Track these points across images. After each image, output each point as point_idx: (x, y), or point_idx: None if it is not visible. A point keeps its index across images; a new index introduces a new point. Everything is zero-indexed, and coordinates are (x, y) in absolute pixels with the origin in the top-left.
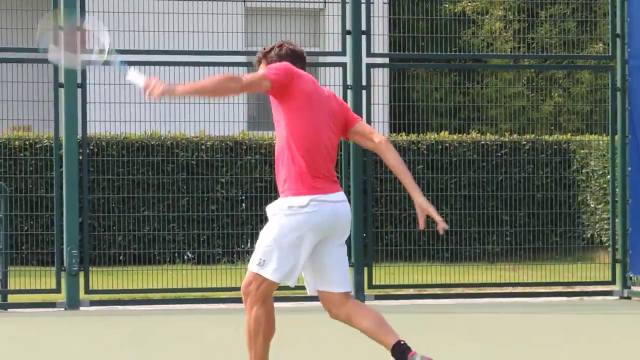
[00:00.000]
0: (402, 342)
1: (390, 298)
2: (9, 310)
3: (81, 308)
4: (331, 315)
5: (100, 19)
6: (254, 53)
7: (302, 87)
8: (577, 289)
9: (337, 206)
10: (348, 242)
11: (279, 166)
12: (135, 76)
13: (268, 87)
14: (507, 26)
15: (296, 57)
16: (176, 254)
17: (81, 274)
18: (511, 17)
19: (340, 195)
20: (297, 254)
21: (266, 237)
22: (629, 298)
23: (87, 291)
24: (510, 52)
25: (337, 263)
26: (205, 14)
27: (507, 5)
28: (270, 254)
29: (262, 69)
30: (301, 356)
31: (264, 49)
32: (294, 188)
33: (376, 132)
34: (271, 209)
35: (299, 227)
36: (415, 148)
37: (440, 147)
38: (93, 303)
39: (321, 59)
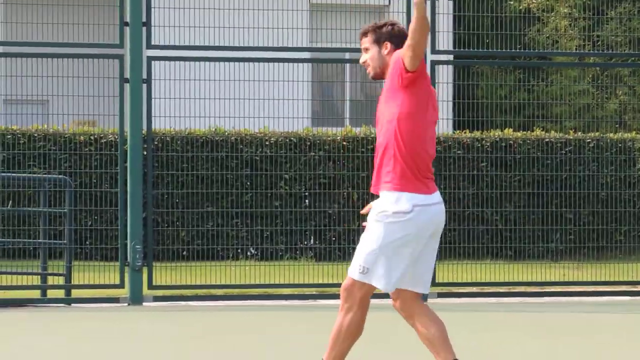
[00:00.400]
0: None
1: (453, 296)
2: (72, 305)
3: (144, 304)
4: (395, 305)
5: (170, 15)
6: (318, 49)
7: (428, 83)
8: None
9: (439, 208)
10: None
11: (384, 157)
12: None
13: (415, 67)
14: (573, 24)
15: (403, 42)
16: (239, 250)
17: (144, 270)
18: (577, 14)
19: (438, 195)
20: (404, 260)
21: (370, 243)
22: None
23: (151, 287)
24: (576, 49)
25: (430, 265)
26: (269, 10)
27: (572, 3)
28: (374, 261)
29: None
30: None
31: (374, 23)
32: (399, 184)
33: None
34: (375, 213)
35: (405, 234)
36: (479, 145)
37: (504, 144)
38: (156, 299)
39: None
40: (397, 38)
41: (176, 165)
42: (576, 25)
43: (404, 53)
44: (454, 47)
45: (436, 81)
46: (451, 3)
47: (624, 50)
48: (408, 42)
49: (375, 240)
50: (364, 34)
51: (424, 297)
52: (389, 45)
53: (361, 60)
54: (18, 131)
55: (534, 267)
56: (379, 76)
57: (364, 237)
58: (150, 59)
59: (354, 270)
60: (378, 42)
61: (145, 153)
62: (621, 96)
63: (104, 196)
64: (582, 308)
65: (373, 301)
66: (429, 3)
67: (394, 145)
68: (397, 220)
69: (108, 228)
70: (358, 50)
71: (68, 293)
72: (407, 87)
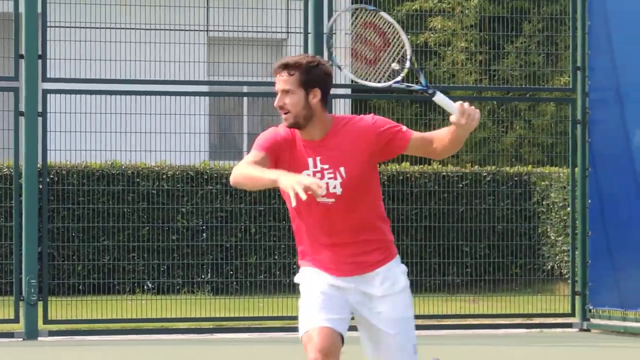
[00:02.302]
0: None
1: (351, 329)
2: None
3: (39, 338)
4: None
5: (66, 47)
6: (216, 83)
7: None
8: (537, 320)
9: None
10: None
11: (371, 232)
12: (444, 99)
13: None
14: (470, 58)
15: (329, 88)
16: (136, 284)
17: (40, 304)
18: (474, 49)
19: None
20: None
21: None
22: (588, 330)
23: (46, 321)
24: (473, 83)
25: None
26: (167, 43)
27: (470, 37)
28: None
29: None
30: None
31: (301, 58)
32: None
33: None
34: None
35: None
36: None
37: (401, 177)
38: (52, 333)
39: None
40: (329, 84)
41: (72, 198)
42: (474, 60)
43: (428, 141)
44: (352, 81)
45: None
46: (349, 37)
47: (521, 85)
48: (448, 144)
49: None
50: (287, 70)
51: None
52: (319, 93)
53: (277, 104)
54: None
55: (431, 300)
56: (298, 127)
57: (409, 309)
58: (45, 91)
59: (411, 353)
60: (306, 85)
61: (40, 187)
62: (518, 130)
63: None
64: (479, 341)
65: None
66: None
67: (381, 219)
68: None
69: (3, 262)
70: (256, 84)
71: None
72: (376, 163)
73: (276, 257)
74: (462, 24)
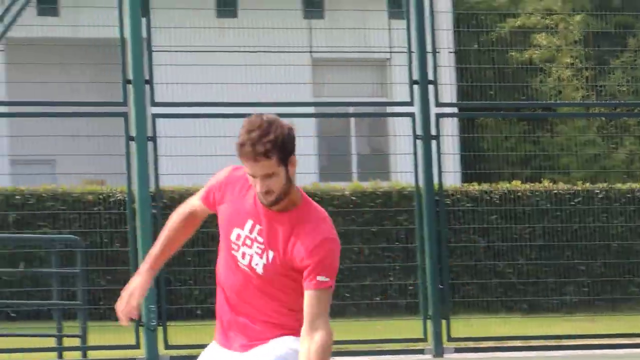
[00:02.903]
0: None
1: (469, 351)
2: None
3: None
4: None
5: (172, 71)
6: (322, 104)
7: None
8: None
9: None
10: (425, 293)
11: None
12: None
13: None
14: (577, 74)
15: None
16: None
17: (160, 330)
18: (580, 64)
19: None
20: None
21: None
22: None
23: (167, 347)
24: (581, 99)
25: None
26: (272, 65)
27: (575, 53)
28: None
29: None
30: None
31: (266, 134)
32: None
33: None
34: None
35: None
36: (488, 197)
37: (512, 196)
38: (173, 359)
39: (389, 109)
40: (295, 146)
41: None
42: (580, 76)
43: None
44: (458, 99)
45: (441, 134)
46: (453, 55)
47: (629, 100)
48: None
49: None
50: (264, 155)
51: (441, 351)
52: (294, 158)
53: (262, 189)
54: (26, 191)
55: (549, 321)
56: (278, 203)
57: None
58: (154, 116)
59: None
60: (285, 161)
61: (154, 211)
62: (628, 146)
63: (115, 255)
64: None
65: None
66: (429, 56)
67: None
68: None
69: (121, 288)
70: (362, 104)
71: (84, 354)
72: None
73: (391, 278)
74: (567, 39)
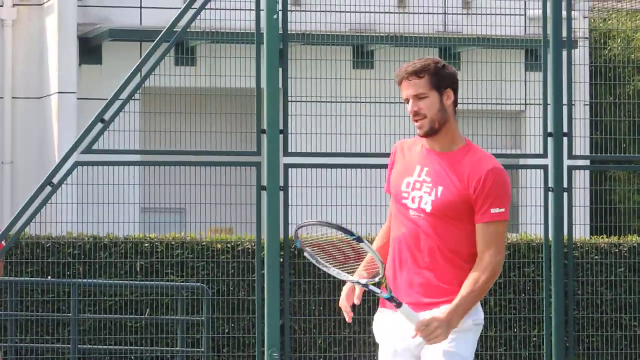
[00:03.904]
0: None
1: None
2: None
3: None
4: None
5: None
6: None
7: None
8: None
9: None
10: (549, 345)
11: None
12: (409, 311)
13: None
14: None
15: (457, 88)
16: (374, 357)
17: None
18: None
19: None
20: None
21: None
22: None
23: None
24: None
25: None
26: (400, 116)
27: None
28: None
29: (493, 209)
30: None
31: (427, 61)
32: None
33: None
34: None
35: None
36: (617, 250)
37: None
38: None
39: (522, 161)
40: (457, 86)
41: (313, 272)
42: None
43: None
44: (591, 152)
45: (573, 186)
46: (587, 108)
47: None
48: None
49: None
50: (417, 74)
51: None
52: (452, 94)
53: (412, 109)
54: (155, 239)
55: None
56: (434, 133)
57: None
58: (287, 166)
59: None
60: (438, 87)
61: (282, 260)
62: None
63: (240, 303)
64: None
65: None
66: (564, 108)
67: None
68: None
69: (245, 335)
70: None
71: None
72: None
73: (515, 330)
74: None
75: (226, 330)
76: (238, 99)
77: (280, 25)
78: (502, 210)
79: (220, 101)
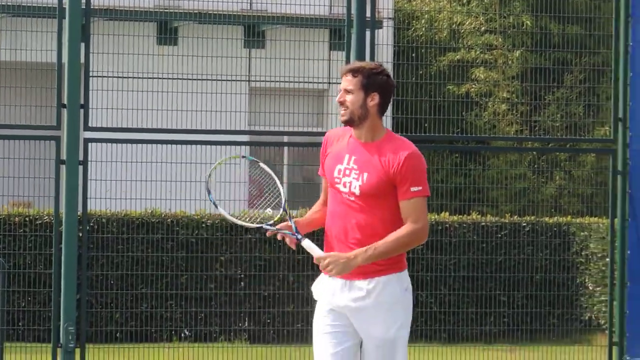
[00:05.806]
0: None
1: None
2: None
3: None
4: None
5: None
6: (256, 132)
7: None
8: None
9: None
10: None
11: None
12: (310, 246)
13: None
14: (512, 108)
15: (389, 96)
16: (173, 332)
17: (77, 351)
18: (515, 99)
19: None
20: None
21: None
22: None
23: None
24: (514, 134)
25: None
26: (208, 93)
27: (512, 88)
28: None
29: (418, 190)
30: None
31: (366, 65)
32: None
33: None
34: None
35: None
36: None
37: (440, 227)
38: None
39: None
40: (388, 92)
41: (111, 246)
42: (515, 110)
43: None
44: (393, 130)
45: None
46: None
47: (562, 135)
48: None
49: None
50: (352, 73)
51: None
52: (377, 97)
53: (339, 99)
54: None
55: (468, 350)
56: (352, 124)
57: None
58: (87, 140)
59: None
60: (366, 89)
61: (80, 234)
62: (558, 180)
63: (38, 277)
64: None
65: None
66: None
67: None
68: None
69: (41, 309)
70: (296, 134)
71: None
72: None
73: (314, 306)
74: (505, 74)
75: (22, 304)
76: (41, 74)
77: (83, 0)
78: (420, 188)
79: (21, 75)
